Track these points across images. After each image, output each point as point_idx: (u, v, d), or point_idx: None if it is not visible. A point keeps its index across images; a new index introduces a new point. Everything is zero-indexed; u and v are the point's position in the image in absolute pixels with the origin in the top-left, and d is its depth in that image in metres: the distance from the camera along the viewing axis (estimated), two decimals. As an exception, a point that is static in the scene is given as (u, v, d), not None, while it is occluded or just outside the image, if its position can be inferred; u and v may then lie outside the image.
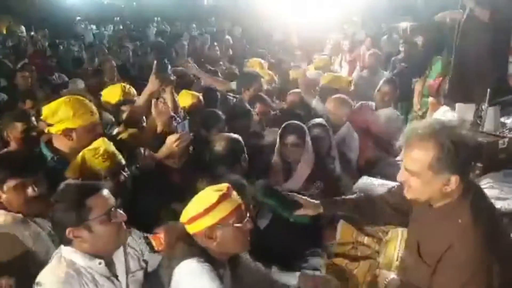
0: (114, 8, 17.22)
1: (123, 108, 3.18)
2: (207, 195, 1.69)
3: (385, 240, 2.04)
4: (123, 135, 2.61)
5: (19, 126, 2.80)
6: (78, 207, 1.52)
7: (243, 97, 3.74)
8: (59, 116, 2.21)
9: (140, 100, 2.81)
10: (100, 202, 1.56)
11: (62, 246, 1.59)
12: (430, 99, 4.33)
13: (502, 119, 3.36)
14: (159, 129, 2.65)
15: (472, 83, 3.28)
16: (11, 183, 1.81)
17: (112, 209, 1.58)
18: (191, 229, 1.70)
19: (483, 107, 3.11)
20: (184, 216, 1.70)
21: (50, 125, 2.25)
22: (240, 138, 2.53)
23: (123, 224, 1.62)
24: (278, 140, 2.67)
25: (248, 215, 1.72)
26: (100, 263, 1.58)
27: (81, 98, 2.38)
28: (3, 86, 5.65)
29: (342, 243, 2.14)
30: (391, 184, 2.30)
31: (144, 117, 2.89)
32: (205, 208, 1.65)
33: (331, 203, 1.97)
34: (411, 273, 1.58)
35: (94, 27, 14.14)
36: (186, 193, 1.90)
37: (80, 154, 2.06)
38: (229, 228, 1.66)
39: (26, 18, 13.33)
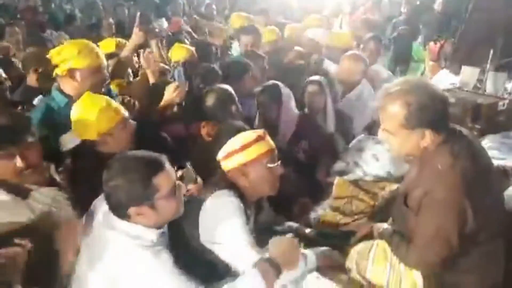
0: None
1: (109, 61, 3.14)
2: (245, 134, 1.80)
3: (382, 195, 2.06)
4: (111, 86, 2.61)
5: None
6: (144, 187, 1.44)
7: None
8: (63, 55, 2.20)
9: (124, 52, 2.85)
10: (166, 180, 1.48)
11: (117, 220, 1.50)
12: (430, 62, 4.29)
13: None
14: (151, 80, 2.68)
15: (480, 46, 3.25)
16: None
17: (176, 183, 1.53)
18: (226, 165, 1.78)
19: (486, 69, 3.09)
20: (222, 152, 1.78)
21: (56, 66, 2.23)
22: (230, 88, 2.54)
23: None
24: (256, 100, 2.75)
25: (279, 162, 1.79)
26: (162, 233, 1.53)
27: (88, 41, 2.36)
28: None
29: (337, 197, 2.16)
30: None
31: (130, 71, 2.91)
32: (242, 145, 1.75)
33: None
34: (400, 222, 1.65)
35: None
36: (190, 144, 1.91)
37: (85, 114, 1.97)
38: (262, 168, 1.74)
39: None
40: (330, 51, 3.89)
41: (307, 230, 1.98)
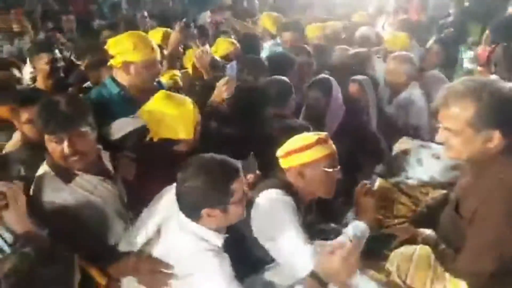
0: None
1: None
2: (307, 136, 1.82)
3: (425, 201, 2.02)
4: (165, 77, 2.68)
5: (44, 56, 2.89)
6: (222, 191, 1.48)
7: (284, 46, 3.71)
8: (119, 48, 2.24)
9: (169, 47, 3.07)
10: (240, 186, 1.52)
11: (188, 222, 1.54)
12: (479, 68, 4.14)
13: None
14: (205, 76, 2.79)
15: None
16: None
17: (245, 189, 1.56)
18: (285, 163, 1.80)
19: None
20: (281, 150, 1.81)
21: (112, 57, 2.28)
22: (287, 80, 2.57)
23: None
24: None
25: (338, 167, 1.80)
26: (224, 238, 1.56)
27: (144, 34, 2.43)
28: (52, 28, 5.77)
29: (380, 199, 2.13)
30: (431, 145, 2.29)
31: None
32: (302, 145, 1.76)
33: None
34: (448, 230, 1.60)
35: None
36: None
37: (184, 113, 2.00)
38: (319, 171, 1.75)
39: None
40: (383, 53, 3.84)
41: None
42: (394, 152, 2.42)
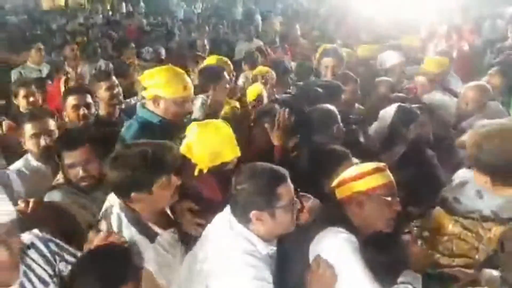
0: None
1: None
2: (364, 164, 1.81)
3: (488, 238, 1.93)
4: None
5: (102, 85, 3.04)
6: (269, 194, 1.56)
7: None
8: (152, 81, 2.30)
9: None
10: (287, 191, 1.59)
11: (238, 224, 1.62)
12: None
13: None
14: None
15: None
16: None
17: (294, 197, 1.62)
18: (341, 192, 1.79)
19: None
20: (337, 179, 1.81)
21: (144, 88, 2.36)
22: (333, 108, 2.60)
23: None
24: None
25: (397, 199, 1.76)
26: (271, 250, 1.63)
27: (180, 71, 2.45)
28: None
29: (437, 234, 2.05)
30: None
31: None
32: (359, 173, 1.75)
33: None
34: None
35: (184, 5, 14.68)
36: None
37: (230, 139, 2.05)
38: (378, 200, 1.72)
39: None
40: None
41: None
42: (451, 183, 2.34)
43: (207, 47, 5.80)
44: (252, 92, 3.37)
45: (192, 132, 2.06)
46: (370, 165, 1.79)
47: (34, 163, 2.54)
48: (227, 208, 1.70)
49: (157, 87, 2.29)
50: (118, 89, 3.13)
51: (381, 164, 1.80)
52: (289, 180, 1.61)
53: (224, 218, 1.69)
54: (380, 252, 1.96)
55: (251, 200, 1.56)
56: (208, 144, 2.00)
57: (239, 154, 2.05)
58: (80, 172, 2.16)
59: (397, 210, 1.75)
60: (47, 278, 1.60)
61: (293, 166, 2.33)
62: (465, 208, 2.15)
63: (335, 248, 1.64)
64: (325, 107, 2.63)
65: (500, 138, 1.47)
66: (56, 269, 1.64)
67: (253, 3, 14.46)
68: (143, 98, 2.42)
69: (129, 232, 1.71)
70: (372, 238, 1.82)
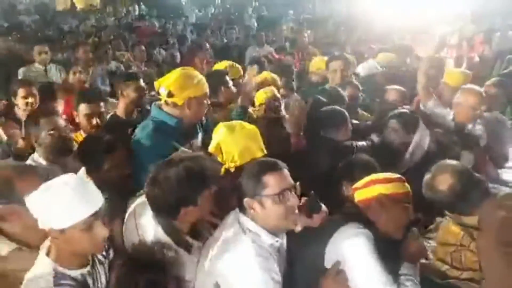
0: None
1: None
2: (388, 173, 1.90)
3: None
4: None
5: (131, 84, 3.09)
6: (255, 181, 1.62)
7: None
8: (181, 84, 2.31)
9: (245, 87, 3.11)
10: (275, 181, 1.61)
11: (241, 215, 1.68)
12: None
13: None
14: None
15: None
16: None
17: (287, 191, 1.63)
18: (365, 193, 1.86)
19: None
20: (362, 181, 1.88)
21: (171, 95, 2.32)
22: (343, 110, 2.74)
23: (295, 208, 1.67)
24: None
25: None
26: (277, 241, 1.66)
27: (191, 72, 2.42)
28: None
29: (444, 243, 2.05)
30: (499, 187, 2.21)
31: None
32: (387, 178, 1.85)
33: None
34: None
35: (196, 10, 14.82)
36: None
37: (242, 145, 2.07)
38: (399, 206, 1.80)
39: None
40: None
41: None
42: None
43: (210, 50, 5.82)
44: (260, 95, 3.40)
45: (220, 132, 2.13)
46: (394, 174, 1.90)
47: (43, 162, 2.56)
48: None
49: (189, 88, 2.31)
50: (144, 93, 3.21)
51: (402, 177, 1.90)
52: (281, 171, 1.64)
53: (234, 214, 1.76)
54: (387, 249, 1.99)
55: (243, 188, 1.64)
56: (238, 142, 2.07)
57: (265, 151, 2.10)
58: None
59: (410, 219, 1.84)
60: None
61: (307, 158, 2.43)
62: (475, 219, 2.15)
63: (355, 242, 1.67)
64: (337, 108, 2.76)
65: None
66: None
67: (264, 10, 14.55)
68: (164, 101, 2.39)
69: (166, 242, 1.73)
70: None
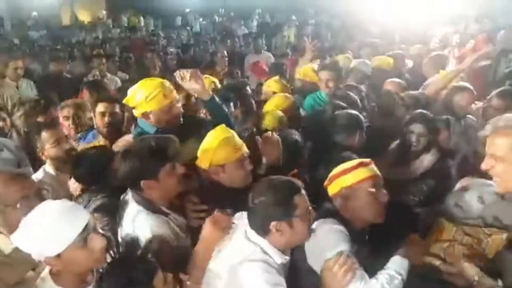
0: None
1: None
2: (349, 162, 1.91)
3: (487, 242, 1.93)
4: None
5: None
6: (286, 203, 1.63)
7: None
8: (135, 100, 2.40)
9: None
10: (303, 201, 1.67)
11: (256, 236, 1.68)
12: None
13: None
14: None
15: None
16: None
17: (309, 208, 1.70)
18: (331, 189, 1.91)
19: None
20: (327, 179, 1.92)
21: (133, 108, 2.46)
22: (359, 115, 2.73)
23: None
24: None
25: (384, 190, 1.86)
26: (285, 259, 1.70)
27: (157, 80, 2.50)
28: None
29: (438, 240, 2.06)
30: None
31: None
32: (345, 169, 1.86)
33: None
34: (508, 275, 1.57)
35: (201, 19, 14.97)
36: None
37: (210, 142, 2.14)
38: (365, 193, 1.82)
39: (144, 10, 14.60)
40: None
41: None
42: (455, 190, 2.34)
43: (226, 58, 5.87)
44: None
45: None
46: (355, 161, 1.91)
47: (53, 172, 2.66)
48: (241, 220, 1.77)
49: (140, 104, 2.40)
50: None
51: (366, 160, 1.89)
52: (303, 190, 1.68)
53: (239, 231, 1.75)
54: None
55: (270, 211, 1.63)
56: (212, 144, 2.14)
57: (201, 165, 2.14)
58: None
59: (384, 201, 1.84)
60: None
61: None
62: (467, 214, 2.16)
63: (322, 234, 1.74)
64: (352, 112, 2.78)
65: None
66: None
67: (269, 16, 14.65)
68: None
69: (143, 216, 1.86)
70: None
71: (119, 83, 5.35)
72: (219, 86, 3.56)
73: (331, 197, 1.91)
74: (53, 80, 5.33)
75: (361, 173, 1.85)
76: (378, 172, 1.89)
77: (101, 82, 4.72)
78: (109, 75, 5.62)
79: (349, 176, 1.85)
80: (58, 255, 1.48)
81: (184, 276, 1.71)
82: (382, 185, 1.86)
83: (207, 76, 3.53)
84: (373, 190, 1.82)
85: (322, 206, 1.93)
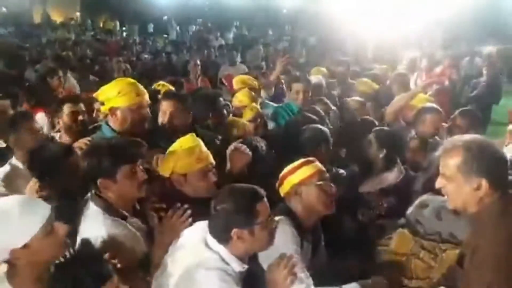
0: (198, 9, 17.99)
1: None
2: (295, 162, 2.06)
3: (442, 257, 1.99)
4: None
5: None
6: (248, 211, 1.62)
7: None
8: (106, 94, 2.39)
9: None
10: (265, 208, 1.67)
11: (216, 243, 1.65)
12: (510, 126, 4.09)
13: None
14: None
15: None
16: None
17: (271, 215, 1.71)
18: (282, 189, 2.04)
19: None
20: (279, 179, 2.06)
21: (102, 103, 2.44)
22: (325, 130, 2.83)
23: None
24: None
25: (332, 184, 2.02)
26: (244, 268, 1.68)
27: (131, 80, 2.52)
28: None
29: (396, 252, 2.10)
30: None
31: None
32: (291, 168, 2.01)
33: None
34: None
35: (178, 28, 14.94)
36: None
37: (174, 151, 2.12)
38: (313, 187, 1.98)
39: (120, 14, 14.45)
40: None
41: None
42: (413, 207, 2.40)
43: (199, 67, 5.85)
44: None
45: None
46: (300, 160, 2.06)
47: (21, 165, 2.55)
48: (200, 227, 1.74)
49: (111, 98, 2.38)
50: None
51: (311, 158, 2.07)
52: (265, 198, 1.70)
53: (197, 237, 1.72)
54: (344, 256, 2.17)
55: (231, 218, 1.62)
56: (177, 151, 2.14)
57: (162, 172, 2.14)
58: None
59: (332, 192, 2.01)
60: None
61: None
62: (425, 229, 2.22)
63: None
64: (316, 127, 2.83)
65: (485, 141, 1.59)
66: None
67: (245, 29, 14.81)
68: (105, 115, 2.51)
69: (100, 216, 1.84)
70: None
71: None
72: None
73: (283, 196, 2.04)
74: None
75: (307, 170, 2.01)
76: (322, 167, 2.05)
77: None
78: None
79: (297, 174, 2.00)
80: (25, 245, 1.44)
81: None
82: (328, 179, 2.04)
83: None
84: (320, 182, 1.98)
85: (276, 206, 2.01)
